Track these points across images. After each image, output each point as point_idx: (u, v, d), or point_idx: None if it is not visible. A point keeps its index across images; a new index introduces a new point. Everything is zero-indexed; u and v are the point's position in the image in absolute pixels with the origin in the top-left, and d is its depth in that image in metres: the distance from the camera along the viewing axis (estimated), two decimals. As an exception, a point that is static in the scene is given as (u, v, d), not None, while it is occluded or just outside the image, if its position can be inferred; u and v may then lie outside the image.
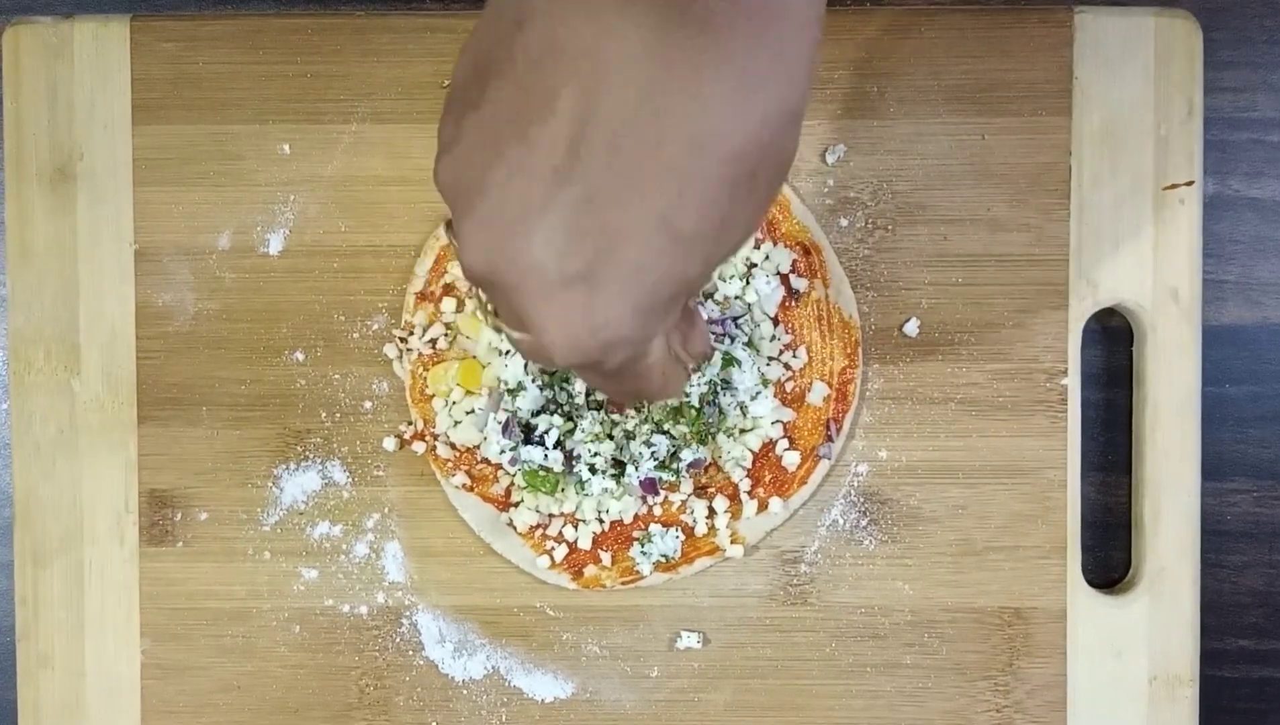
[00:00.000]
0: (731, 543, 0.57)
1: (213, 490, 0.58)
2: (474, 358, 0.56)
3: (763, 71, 0.31)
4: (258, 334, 0.58)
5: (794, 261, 0.56)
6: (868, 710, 0.57)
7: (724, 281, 0.56)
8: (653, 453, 0.55)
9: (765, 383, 0.56)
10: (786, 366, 0.56)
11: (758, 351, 0.56)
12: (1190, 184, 0.57)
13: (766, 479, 0.57)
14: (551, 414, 0.55)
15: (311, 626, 0.58)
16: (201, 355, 0.58)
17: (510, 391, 0.55)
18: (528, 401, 0.55)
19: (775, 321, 0.56)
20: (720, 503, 0.56)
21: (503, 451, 0.55)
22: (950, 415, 0.57)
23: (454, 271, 0.56)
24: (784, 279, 0.56)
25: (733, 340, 0.55)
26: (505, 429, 0.55)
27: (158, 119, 0.57)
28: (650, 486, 0.55)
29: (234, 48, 0.57)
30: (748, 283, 0.56)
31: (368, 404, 0.58)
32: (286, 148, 0.57)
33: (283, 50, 0.57)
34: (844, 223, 0.57)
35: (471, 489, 0.57)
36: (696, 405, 0.55)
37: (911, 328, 0.57)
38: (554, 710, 0.58)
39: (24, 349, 0.58)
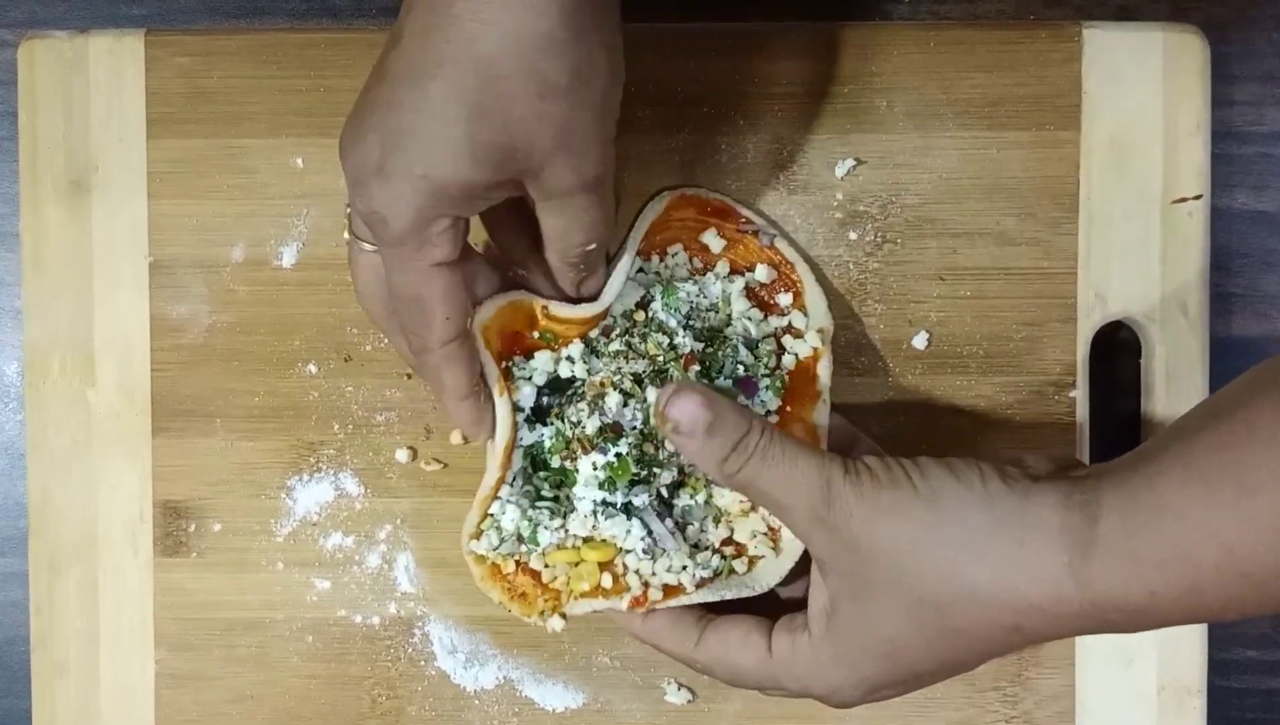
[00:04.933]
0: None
1: (226, 501, 0.58)
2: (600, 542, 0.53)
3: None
4: (271, 346, 0.58)
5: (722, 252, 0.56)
6: (878, 721, 0.58)
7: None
8: (739, 361, 0.54)
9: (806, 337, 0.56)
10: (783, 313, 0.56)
11: (758, 334, 0.56)
12: (1198, 197, 0.57)
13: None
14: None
15: (324, 637, 0.58)
16: (215, 367, 0.58)
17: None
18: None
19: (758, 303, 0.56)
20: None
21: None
22: (959, 427, 0.58)
23: None
24: (753, 294, 0.56)
25: (757, 359, 0.55)
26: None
27: (172, 132, 0.58)
28: (750, 385, 0.54)
29: (248, 62, 0.57)
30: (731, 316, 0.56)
31: (380, 416, 0.58)
32: (300, 161, 0.58)
33: (296, 65, 0.57)
34: (853, 236, 0.58)
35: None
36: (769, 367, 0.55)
37: (920, 341, 0.58)
38: (565, 720, 0.58)
39: (39, 360, 0.58)
